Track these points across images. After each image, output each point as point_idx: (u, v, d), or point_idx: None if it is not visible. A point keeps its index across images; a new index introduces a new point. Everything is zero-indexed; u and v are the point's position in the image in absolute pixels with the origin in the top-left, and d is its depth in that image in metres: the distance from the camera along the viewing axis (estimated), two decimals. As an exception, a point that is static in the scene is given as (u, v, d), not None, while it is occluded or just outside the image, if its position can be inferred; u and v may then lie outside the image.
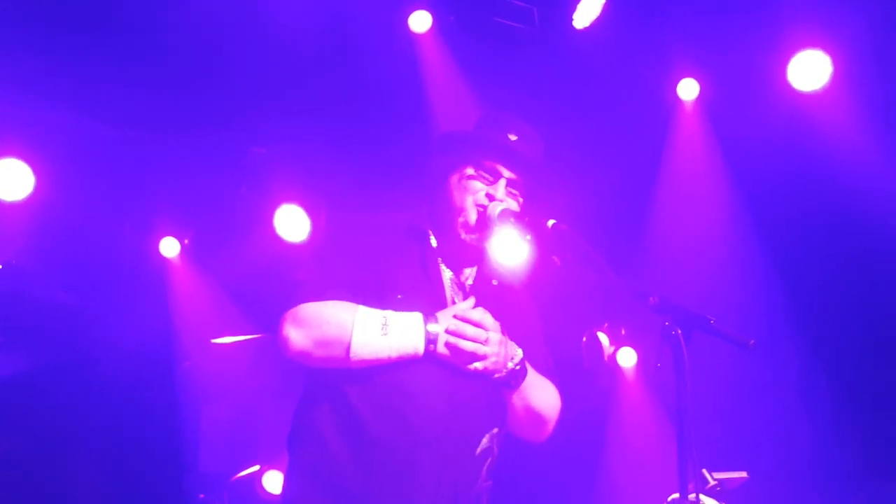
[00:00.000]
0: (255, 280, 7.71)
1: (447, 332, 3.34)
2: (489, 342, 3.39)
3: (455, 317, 3.37)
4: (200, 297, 7.98)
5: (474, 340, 3.36)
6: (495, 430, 3.53)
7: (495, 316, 3.48)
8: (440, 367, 3.37)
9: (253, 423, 8.05)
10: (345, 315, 3.27)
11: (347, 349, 3.25)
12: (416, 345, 3.30)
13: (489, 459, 3.53)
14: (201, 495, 7.50)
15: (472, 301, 3.48)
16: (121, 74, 6.51)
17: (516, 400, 3.58)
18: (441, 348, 3.33)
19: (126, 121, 7.04)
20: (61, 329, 7.64)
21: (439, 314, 3.37)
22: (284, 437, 3.53)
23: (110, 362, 7.63)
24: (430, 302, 3.47)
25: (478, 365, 3.39)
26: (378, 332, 3.26)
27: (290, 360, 3.32)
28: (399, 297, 3.39)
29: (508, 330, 3.53)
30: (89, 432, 7.73)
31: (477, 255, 3.65)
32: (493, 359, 3.40)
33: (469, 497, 3.46)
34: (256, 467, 7.48)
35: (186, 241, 7.97)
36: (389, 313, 3.31)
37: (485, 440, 3.48)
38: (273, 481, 7.43)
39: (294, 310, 3.32)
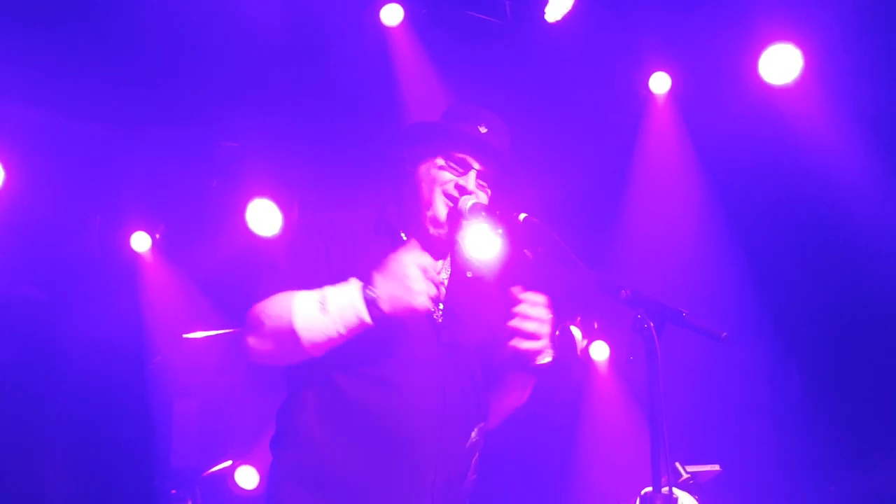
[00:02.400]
0: (226, 275, 7.68)
1: (517, 313, 3.25)
2: (545, 322, 3.31)
3: (520, 299, 3.27)
4: (171, 292, 7.95)
5: (539, 321, 3.28)
6: (482, 423, 3.54)
7: (470, 308, 3.47)
8: (432, 361, 3.37)
9: (224, 418, 8.02)
10: (283, 303, 3.18)
11: (295, 337, 3.14)
12: (358, 313, 3.14)
13: (476, 453, 3.54)
14: (173, 491, 7.46)
15: (415, 248, 3.28)
16: (92, 69, 6.49)
17: (518, 390, 3.60)
18: (386, 307, 3.15)
19: (97, 115, 7.02)
20: (31, 324, 7.59)
21: (377, 276, 3.18)
22: (256, 432, 3.52)
23: (81, 358, 7.58)
24: None
25: (535, 345, 3.30)
26: (317, 312, 3.13)
27: (255, 366, 3.28)
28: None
29: (484, 321, 3.55)
30: (59, 428, 7.68)
31: (446, 249, 3.63)
32: (544, 342, 3.32)
33: (460, 491, 3.48)
34: (228, 463, 7.45)
35: (158, 236, 7.94)
36: (328, 290, 3.18)
37: (474, 433, 3.49)
38: (245, 476, 7.41)
39: (247, 314, 3.27)
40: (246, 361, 3.26)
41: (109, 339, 7.61)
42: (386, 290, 3.14)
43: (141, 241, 7.92)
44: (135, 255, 7.94)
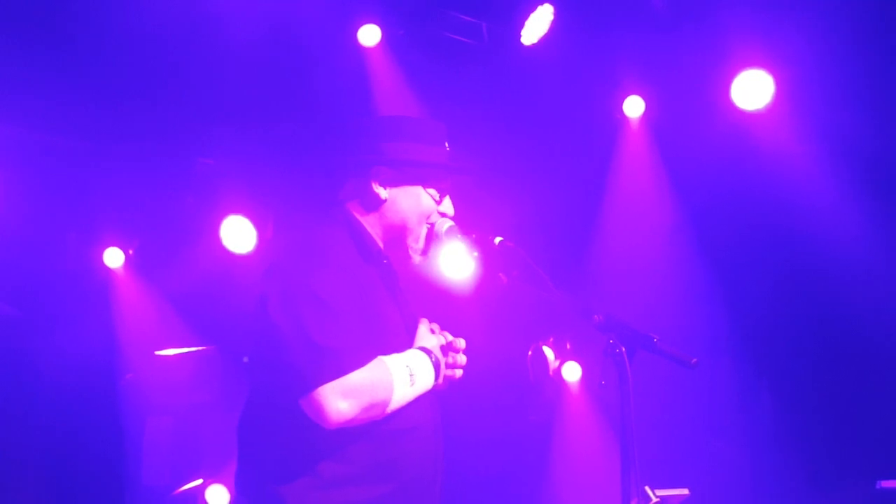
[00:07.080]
0: (200, 292, 7.65)
1: (448, 366, 3.49)
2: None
3: (444, 348, 3.50)
4: (144, 308, 7.89)
5: (462, 367, 3.54)
6: None
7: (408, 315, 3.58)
8: (429, 398, 3.45)
9: (196, 436, 7.97)
10: (385, 376, 3.23)
11: (386, 406, 3.22)
12: (430, 383, 3.38)
13: None
14: (143, 509, 7.45)
15: (426, 321, 3.53)
16: (67, 85, 6.45)
17: None
18: (440, 378, 3.44)
19: (70, 130, 6.98)
20: (2, 340, 7.53)
21: (427, 345, 3.43)
22: (228, 450, 3.47)
23: (52, 374, 7.52)
24: (396, 323, 3.46)
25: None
26: (408, 384, 3.28)
27: (330, 427, 3.16)
28: (396, 339, 3.40)
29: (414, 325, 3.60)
30: (29, 444, 7.62)
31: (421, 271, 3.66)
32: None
33: None
34: (199, 481, 7.43)
35: (131, 252, 7.90)
36: (409, 361, 3.32)
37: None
38: (216, 495, 7.38)
39: (341, 381, 3.12)
40: (320, 422, 3.14)
41: (81, 356, 7.56)
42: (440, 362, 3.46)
43: (114, 258, 7.84)
44: (108, 272, 7.89)
